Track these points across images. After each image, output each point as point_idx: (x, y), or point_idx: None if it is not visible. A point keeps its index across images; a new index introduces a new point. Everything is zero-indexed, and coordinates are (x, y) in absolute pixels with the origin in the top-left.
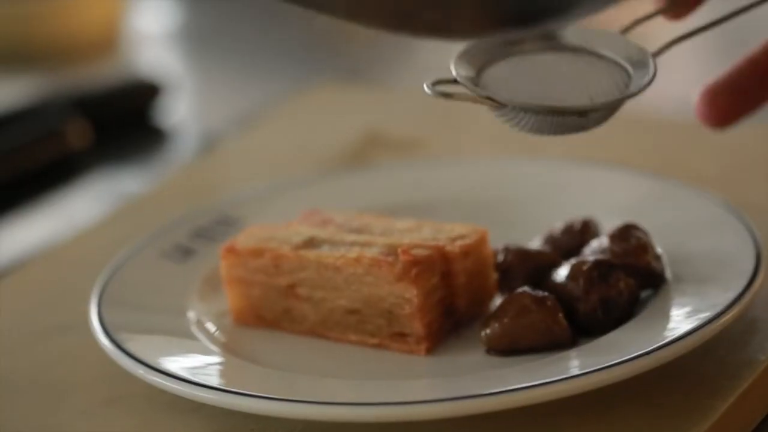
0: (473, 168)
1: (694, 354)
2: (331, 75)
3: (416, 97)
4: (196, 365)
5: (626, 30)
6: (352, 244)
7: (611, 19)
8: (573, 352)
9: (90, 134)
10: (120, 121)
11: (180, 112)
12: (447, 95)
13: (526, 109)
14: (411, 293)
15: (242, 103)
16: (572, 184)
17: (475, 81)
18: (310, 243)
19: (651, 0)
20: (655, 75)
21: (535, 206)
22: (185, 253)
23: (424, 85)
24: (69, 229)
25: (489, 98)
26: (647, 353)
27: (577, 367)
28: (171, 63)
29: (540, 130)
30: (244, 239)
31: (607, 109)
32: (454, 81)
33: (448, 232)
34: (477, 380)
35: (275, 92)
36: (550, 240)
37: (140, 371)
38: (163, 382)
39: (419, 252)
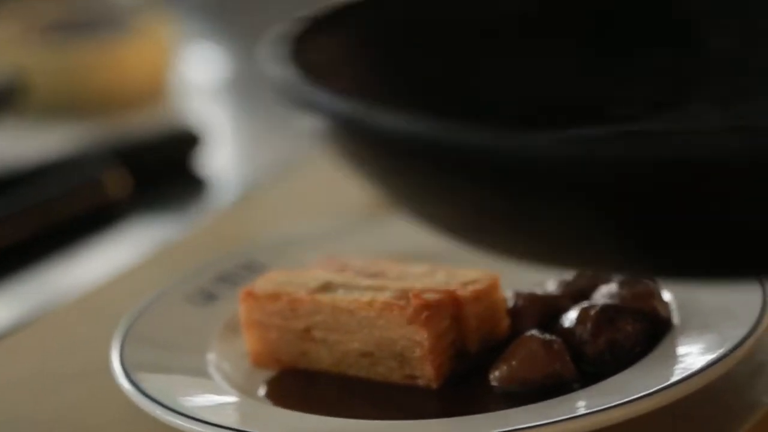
0: None
1: (698, 396)
2: None
3: None
4: (213, 406)
5: None
6: (367, 288)
7: None
8: (579, 393)
9: (130, 183)
10: (160, 170)
11: (219, 161)
12: None
13: None
14: (421, 336)
15: (280, 154)
16: None
17: None
18: (326, 287)
19: None
20: None
21: None
22: (208, 297)
23: None
24: (107, 276)
25: None
26: (651, 394)
27: (582, 407)
28: (215, 113)
29: None
30: (262, 284)
31: None
32: None
33: (461, 277)
34: (486, 419)
35: (311, 144)
36: (563, 284)
37: (158, 411)
38: (181, 422)
39: (430, 296)
